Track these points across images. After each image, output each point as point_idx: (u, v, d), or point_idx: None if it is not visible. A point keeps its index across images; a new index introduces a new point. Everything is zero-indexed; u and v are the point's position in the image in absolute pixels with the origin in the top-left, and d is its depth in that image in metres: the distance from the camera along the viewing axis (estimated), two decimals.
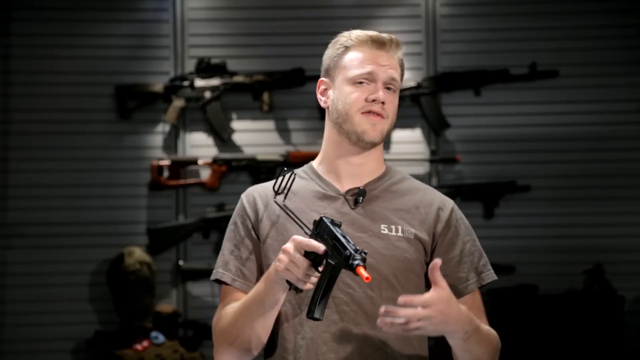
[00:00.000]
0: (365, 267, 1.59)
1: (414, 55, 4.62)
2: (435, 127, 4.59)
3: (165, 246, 4.52)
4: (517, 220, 4.60)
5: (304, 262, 1.68)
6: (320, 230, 1.70)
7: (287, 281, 1.71)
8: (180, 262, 4.53)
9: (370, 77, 1.87)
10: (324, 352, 1.79)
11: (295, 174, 1.90)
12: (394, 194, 1.91)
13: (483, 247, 1.94)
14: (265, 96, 4.55)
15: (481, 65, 4.61)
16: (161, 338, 4.25)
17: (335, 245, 1.64)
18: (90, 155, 4.59)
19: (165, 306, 4.40)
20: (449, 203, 1.93)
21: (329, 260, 1.65)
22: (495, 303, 4.36)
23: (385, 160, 1.99)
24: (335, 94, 1.90)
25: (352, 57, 1.89)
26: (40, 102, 4.60)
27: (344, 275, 1.77)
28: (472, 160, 4.63)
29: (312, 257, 1.67)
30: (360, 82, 1.87)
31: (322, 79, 1.95)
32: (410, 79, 4.58)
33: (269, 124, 4.64)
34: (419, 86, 4.56)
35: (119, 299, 4.34)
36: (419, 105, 4.59)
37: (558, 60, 4.61)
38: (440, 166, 4.62)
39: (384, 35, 1.91)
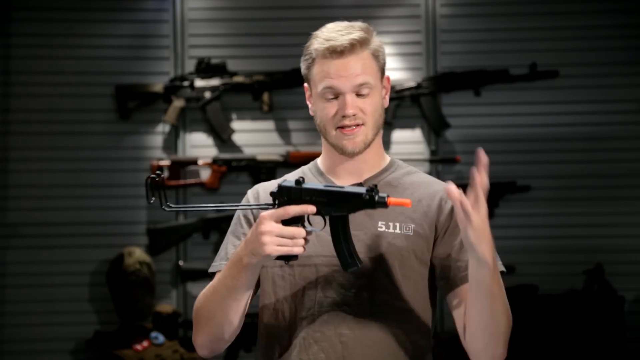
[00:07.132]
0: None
1: (414, 55, 4.62)
2: (435, 127, 4.59)
3: (165, 246, 4.52)
4: (517, 220, 4.60)
5: (297, 230, 1.66)
6: (291, 196, 1.68)
7: (279, 257, 1.69)
8: (180, 263, 4.53)
9: (335, 92, 1.83)
10: (314, 352, 1.79)
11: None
12: (395, 188, 1.88)
13: None
14: (265, 96, 4.55)
15: (481, 65, 4.61)
16: (161, 338, 4.25)
17: (332, 197, 1.66)
18: (91, 155, 4.59)
19: (165, 306, 4.40)
20: None
21: (333, 214, 1.67)
22: None
23: None
24: (314, 106, 1.90)
25: (317, 71, 1.86)
26: (40, 102, 4.60)
27: (338, 277, 1.78)
28: (472, 161, 4.58)
29: (289, 224, 1.67)
30: (329, 97, 1.84)
31: (305, 84, 1.94)
32: (410, 79, 4.58)
33: (269, 124, 4.64)
34: (419, 86, 4.56)
35: (118, 299, 4.34)
36: (419, 106, 4.59)
37: (558, 60, 4.61)
38: (440, 166, 4.62)
39: (341, 41, 1.82)
